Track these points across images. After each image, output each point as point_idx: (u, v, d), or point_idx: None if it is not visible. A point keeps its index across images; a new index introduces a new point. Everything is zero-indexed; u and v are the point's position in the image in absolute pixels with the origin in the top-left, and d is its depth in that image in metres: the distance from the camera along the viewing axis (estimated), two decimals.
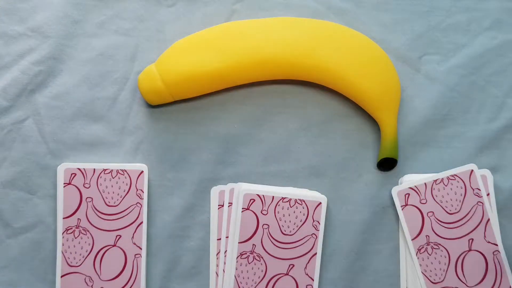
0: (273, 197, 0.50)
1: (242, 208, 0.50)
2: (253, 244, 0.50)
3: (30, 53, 0.52)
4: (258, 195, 0.50)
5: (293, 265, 0.50)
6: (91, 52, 0.53)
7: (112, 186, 0.51)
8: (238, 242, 0.50)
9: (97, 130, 0.52)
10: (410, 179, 0.52)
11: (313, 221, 0.50)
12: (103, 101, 0.53)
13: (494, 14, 0.56)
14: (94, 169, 0.51)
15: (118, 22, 0.53)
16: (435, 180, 0.51)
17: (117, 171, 0.51)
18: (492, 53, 0.55)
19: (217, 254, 0.51)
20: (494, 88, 0.54)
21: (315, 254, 0.50)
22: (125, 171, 0.51)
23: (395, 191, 0.51)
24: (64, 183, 0.50)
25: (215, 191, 0.52)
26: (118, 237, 0.50)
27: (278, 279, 0.50)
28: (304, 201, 0.50)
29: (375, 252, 0.52)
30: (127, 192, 0.51)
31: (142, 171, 0.51)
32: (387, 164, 0.52)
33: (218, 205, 0.51)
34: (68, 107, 0.52)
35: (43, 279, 0.50)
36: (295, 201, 0.50)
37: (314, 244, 0.50)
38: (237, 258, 0.50)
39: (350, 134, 0.53)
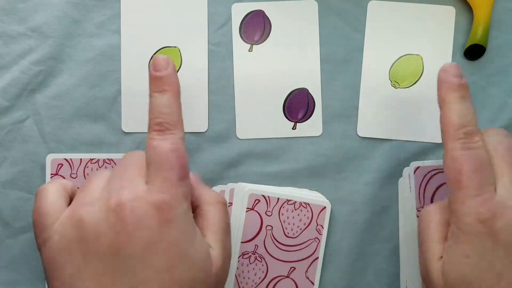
0: (278, 198, 0.50)
1: (247, 208, 0.50)
2: (255, 245, 0.50)
3: (30, 53, 0.52)
4: (263, 195, 0.50)
5: (294, 268, 0.50)
6: (91, 52, 0.52)
7: None
8: (241, 242, 0.50)
9: (97, 130, 0.52)
10: None
11: (317, 225, 0.50)
12: (103, 101, 0.52)
13: (494, 14, 0.55)
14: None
15: (118, 22, 0.53)
16: None
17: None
18: (492, 53, 0.55)
19: None
20: (494, 88, 0.54)
21: (317, 258, 0.50)
22: None
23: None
24: (51, 174, 0.50)
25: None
26: None
27: (278, 281, 0.50)
28: (309, 204, 0.50)
29: (375, 252, 0.52)
30: None
31: None
32: (474, 53, 0.53)
33: None
34: (68, 107, 0.52)
35: (43, 279, 0.50)
36: (300, 204, 0.50)
37: (316, 248, 0.50)
38: (238, 257, 0.50)
39: (350, 133, 0.53)
